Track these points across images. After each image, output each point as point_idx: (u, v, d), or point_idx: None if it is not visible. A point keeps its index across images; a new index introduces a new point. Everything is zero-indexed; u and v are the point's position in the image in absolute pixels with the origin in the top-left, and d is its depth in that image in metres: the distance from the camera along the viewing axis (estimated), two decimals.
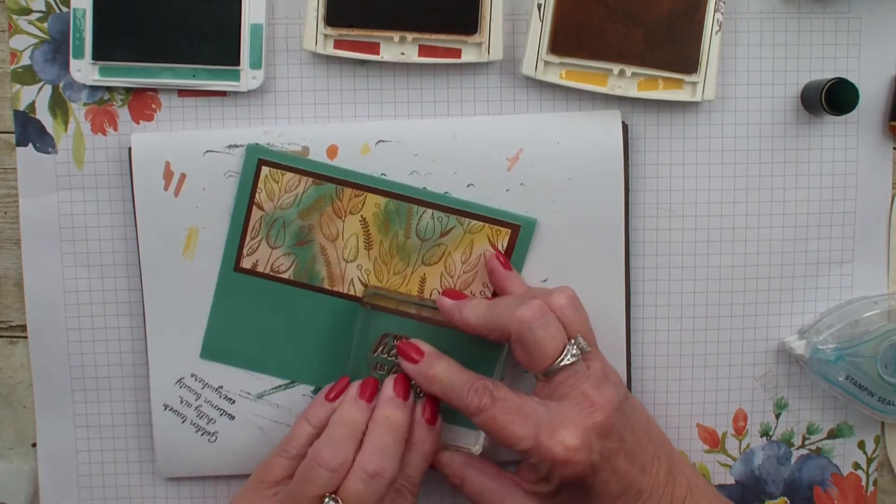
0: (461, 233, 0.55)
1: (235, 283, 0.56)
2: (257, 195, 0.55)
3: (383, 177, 0.55)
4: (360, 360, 0.55)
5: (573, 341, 0.50)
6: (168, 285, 0.56)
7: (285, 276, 0.56)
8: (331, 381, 0.55)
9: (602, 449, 0.48)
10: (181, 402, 0.57)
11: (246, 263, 0.56)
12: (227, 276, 0.56)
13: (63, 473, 0.58)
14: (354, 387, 0.53)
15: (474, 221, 0.55)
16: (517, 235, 0.55)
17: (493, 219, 0.55)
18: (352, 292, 0.56)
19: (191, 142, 0.55)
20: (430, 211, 0.55)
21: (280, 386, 0.57)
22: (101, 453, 0.58)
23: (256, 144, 0.55)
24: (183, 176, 0.55)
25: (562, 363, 0.49)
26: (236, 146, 0.55)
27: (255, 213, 0.55)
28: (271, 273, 0.56)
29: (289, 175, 0.55)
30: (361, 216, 0.55)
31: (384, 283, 0.56)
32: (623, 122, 0.55)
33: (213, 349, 0.57)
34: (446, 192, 0.55)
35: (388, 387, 0.52)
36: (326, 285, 0.56)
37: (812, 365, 0.56)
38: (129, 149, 0.55)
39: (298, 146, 0.55)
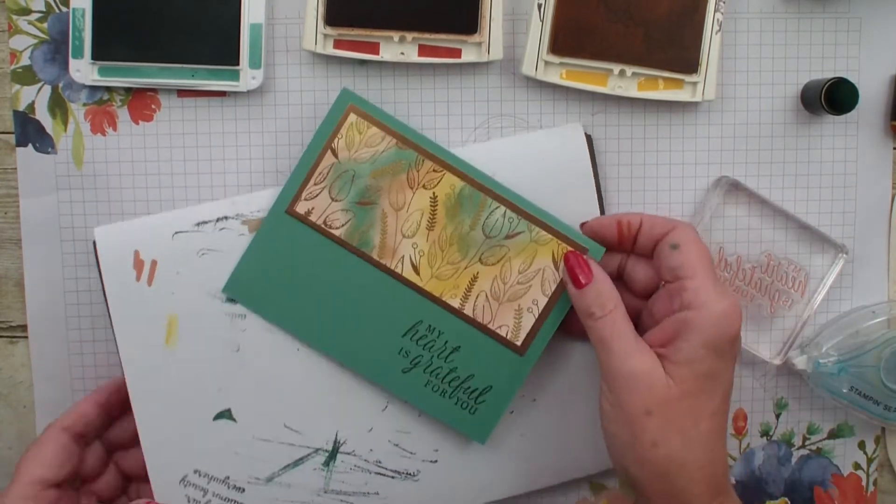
0: (527, 240, 0.53)
1: (283, 225, 0.53)
2: (336, 140, 0.52)
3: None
4: (387, 341, 0.53)
5: None
6: (154, 380, 0.54)
7: (337, 233, 0.53)
8: (348, 353, 0.53)
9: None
10: (189, 502, 0.54)
11: (301, 208, 0.53)
12: (277, 216, 0.53)
13: None
14: None
15: (543, 232, 0.53)
16: None
17: (563, 235, 0.53)
18: (398, 270, 0.53)
19: (157, 226, 0.53)
20: (502, 208, 0.53)
21: (288, 465, 0.55)
22: None
23: (349, 90, 0.53)
24: (154, 263, 0.53)
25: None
26: (205, 223, 0.53)
27: (327, 159, 0.52)
28: (323, 226, 0.53)
29: (374, 130, 0.52)
30: (433, 193, 0.53)
31: (434, 271, 0.53)
32: (586, 134, 0.55)
33: (238, 287, 0.54)
34: None
35: None
36: (375, 255, 0.53)
37: (815, 378, 0.56)
38: (94, 242, 0.53)
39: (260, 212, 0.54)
